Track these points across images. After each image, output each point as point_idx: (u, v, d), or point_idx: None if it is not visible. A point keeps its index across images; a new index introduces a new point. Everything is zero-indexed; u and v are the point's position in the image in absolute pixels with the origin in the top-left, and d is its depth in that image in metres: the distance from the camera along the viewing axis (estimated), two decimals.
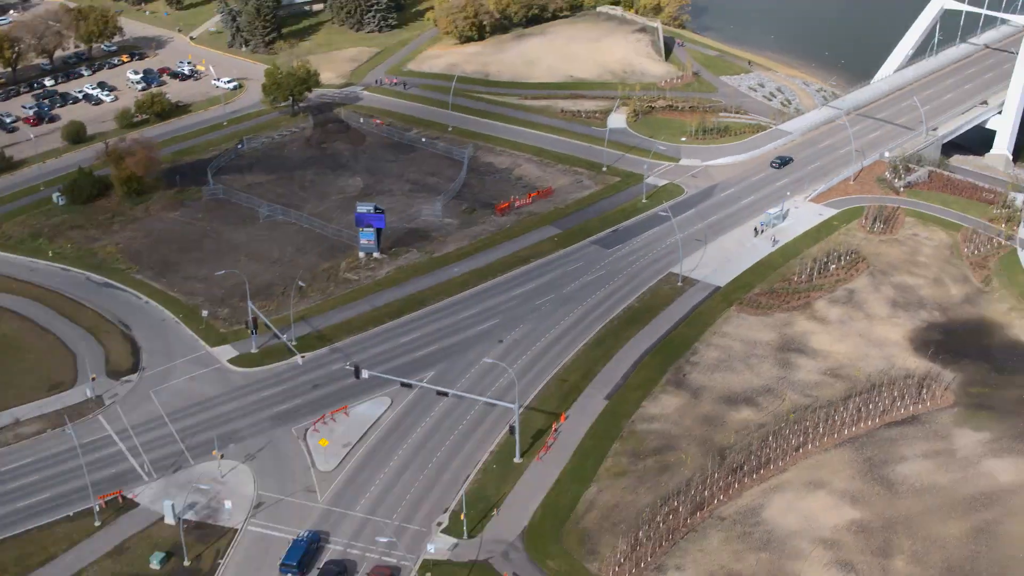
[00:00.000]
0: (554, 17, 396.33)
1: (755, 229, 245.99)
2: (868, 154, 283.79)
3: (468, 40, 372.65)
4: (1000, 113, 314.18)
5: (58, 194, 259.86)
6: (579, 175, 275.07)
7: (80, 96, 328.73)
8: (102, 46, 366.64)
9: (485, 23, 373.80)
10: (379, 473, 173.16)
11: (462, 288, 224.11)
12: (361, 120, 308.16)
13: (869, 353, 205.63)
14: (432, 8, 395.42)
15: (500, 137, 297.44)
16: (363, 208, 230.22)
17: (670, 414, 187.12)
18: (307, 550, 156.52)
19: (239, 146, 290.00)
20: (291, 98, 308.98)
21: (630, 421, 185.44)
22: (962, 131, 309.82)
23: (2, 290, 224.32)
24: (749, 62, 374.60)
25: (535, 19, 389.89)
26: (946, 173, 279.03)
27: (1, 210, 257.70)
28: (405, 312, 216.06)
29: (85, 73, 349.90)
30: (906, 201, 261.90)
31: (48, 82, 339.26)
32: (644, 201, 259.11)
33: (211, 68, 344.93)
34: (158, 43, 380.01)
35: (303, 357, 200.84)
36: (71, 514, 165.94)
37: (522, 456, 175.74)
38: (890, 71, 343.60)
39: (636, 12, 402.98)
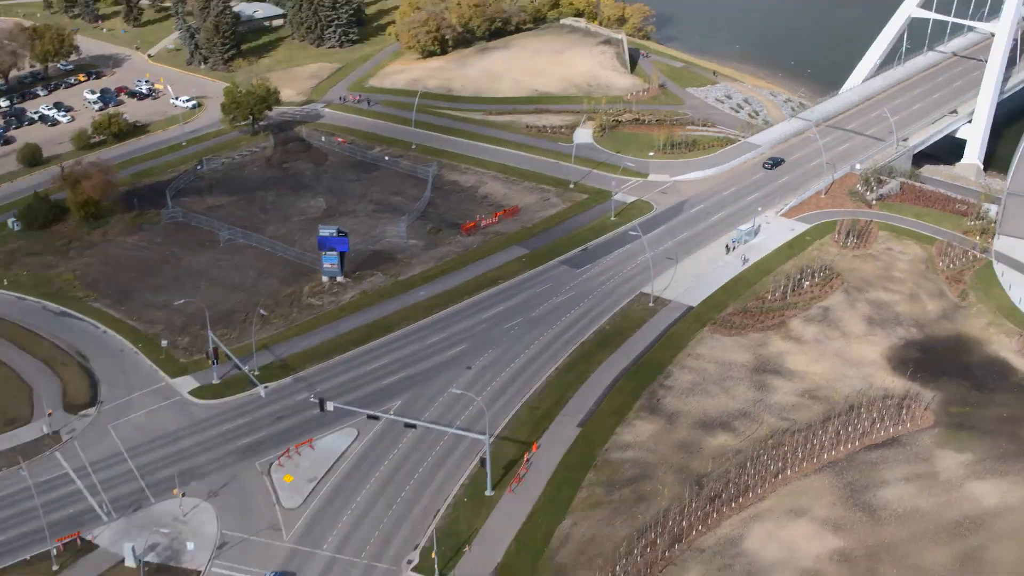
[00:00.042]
0: (517, 30, 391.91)
1: (727, 246, 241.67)
2: (839, 166, 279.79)
3: (431, 55, 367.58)
4: (970, 122, 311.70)
5: (13, 219, 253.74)
6: (546, 192, 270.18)
7: (36, 117, 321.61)
8: (58, 65, 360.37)
9: (447, 37, 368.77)
10: (346, 509, 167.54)
11: (429, 312, 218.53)
12: (323, 139, 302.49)
13: (846, 373, 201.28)
14: (394, 22, 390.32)
15: (465, 154, 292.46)
16: (325, 231, 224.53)
17: (645, 441, 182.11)
18: None
19: (198, 167, 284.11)
20: (251, 117, 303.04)
21: (604, 449, 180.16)
22: (933, 141, 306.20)
23: None
24: (714, 72, 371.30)
25: (498, 32, 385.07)
26: (918, 184, 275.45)
27: None
28: (370, 338, 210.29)
29: (41, 93, 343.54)
30: (879, 214, 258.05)
31: (3, 103, 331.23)
32: (613, 219, 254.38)
33: (169, 87, 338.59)
34: (115, 61, 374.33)
35: (266, 388, 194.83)
36: (27, 558, 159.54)
37: (494, 488, 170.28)
38: (858, 81, 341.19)
39: (600, 24, 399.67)
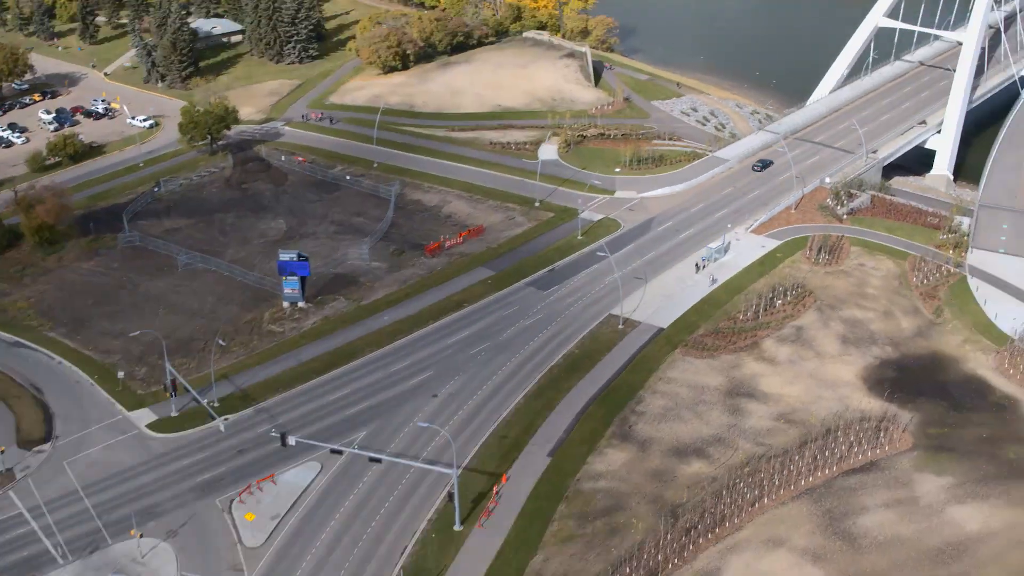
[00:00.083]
0: (479, 44, 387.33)
1: (696, 265, 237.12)
2: (808, 180, 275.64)
3: (392, 70, 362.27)
4: (939, 132, 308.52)
5: None
6: (511, 211, 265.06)
7: None
8: (12, 85, 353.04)
9: (409, 52, 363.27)
10: (310, 547, 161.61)
11: (393, 338, 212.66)
12: (283, 158, 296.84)
13: (822, 395, 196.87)
14: (354, 38, 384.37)
15: (428, 172, 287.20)
16: (286, 256, 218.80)
17: (617, 470, 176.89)
18: None
19: (156, 189, 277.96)
20: (209, 137, 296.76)
21: (575, 480, 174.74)
22: (902, 152, 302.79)
23: None
24: (678, 84, 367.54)
25: (460, 47, 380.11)
26: (888, 197, 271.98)
27: None
28: (333, 366, 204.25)
29: None
30: (850, 229, 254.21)
31: None
32: (580, 238, 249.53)
33: (125, 107, 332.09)
34: (71, 80, 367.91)
35: (227, 420, 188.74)
36: None
37: (462, 523, 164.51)
38: (825, 92, 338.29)
39: (563, 37, 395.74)
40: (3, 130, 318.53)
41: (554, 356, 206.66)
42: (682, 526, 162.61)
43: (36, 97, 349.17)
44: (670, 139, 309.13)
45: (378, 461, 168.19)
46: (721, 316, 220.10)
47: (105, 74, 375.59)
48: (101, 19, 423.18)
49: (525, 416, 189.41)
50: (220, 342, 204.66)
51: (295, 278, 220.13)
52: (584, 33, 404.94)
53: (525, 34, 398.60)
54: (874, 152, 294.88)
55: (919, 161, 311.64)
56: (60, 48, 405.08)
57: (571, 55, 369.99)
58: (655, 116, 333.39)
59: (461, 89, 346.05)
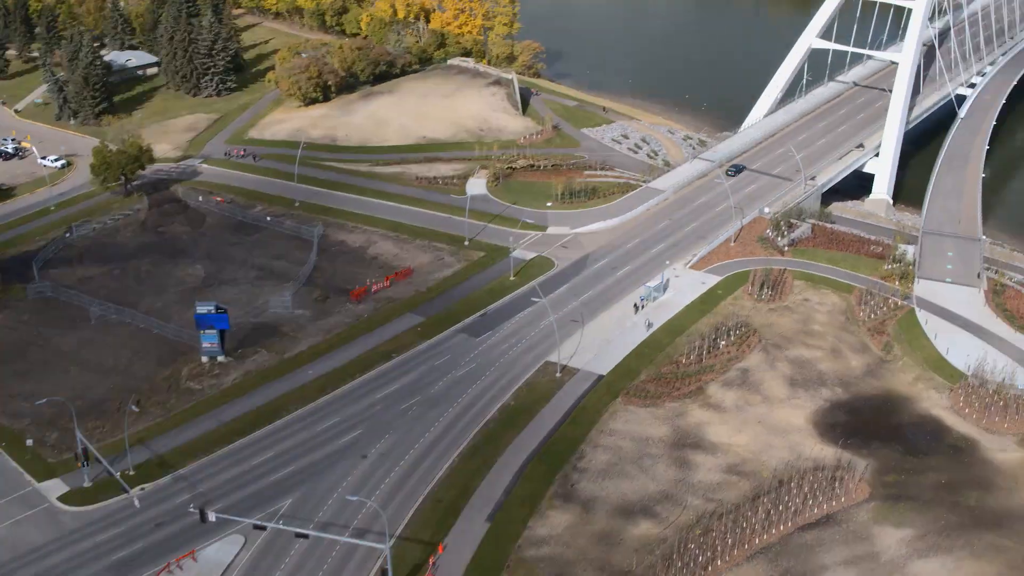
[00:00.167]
0: (403, 73, 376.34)
1: (635, 305, 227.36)
2: (747, 211, 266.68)
3: (313, 102, 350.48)
4: (877, 156, 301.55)
5: None
6: (440, 251, 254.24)
7: None
8: None
9: (330, 83, 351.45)
10: None
11: (319, 394, 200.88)
12: (200, 198, 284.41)
13: (772, 443, 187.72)
14: (273, 68, 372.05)
15: (352, 211, 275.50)
16: (203, 308, 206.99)
17: (561, 534, 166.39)
18: None
19: (67, 234, 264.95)
20: (123, 177, 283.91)
21: (517, 546, 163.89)
22: (841, 178, 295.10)
23: None
24: (604, 109, 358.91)
25: (383, 76, 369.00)
26: (829, 226, 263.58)
27: None
28: (256, 427, 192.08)
29: None
30: (792, 262, 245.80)
31: None
32: (512, 279, 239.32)
33: (34, 147, 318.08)
34: None
35: (143, 489, 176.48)
36: None
37: None
38: (760, 115, 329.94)
39: (489, 63, 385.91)
40: None
41: (489, 409, 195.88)
42: None
43: None
44: (602, 169, 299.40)
45: (305, 537, 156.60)
46: (663, 360, 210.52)
47: (15, 111, 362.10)
48: (11, 52, 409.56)
49: (461, 477, 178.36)
50: (133, 408, 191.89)
51: (213, 332, 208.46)
52: (510, 59, 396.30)
53: (450, 61, 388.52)
54: (812, 179, 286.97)
55: (857, 184, 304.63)
56: None
57: (497, 82, 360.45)
58: (585, 145, 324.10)
59: (385, 120, 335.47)
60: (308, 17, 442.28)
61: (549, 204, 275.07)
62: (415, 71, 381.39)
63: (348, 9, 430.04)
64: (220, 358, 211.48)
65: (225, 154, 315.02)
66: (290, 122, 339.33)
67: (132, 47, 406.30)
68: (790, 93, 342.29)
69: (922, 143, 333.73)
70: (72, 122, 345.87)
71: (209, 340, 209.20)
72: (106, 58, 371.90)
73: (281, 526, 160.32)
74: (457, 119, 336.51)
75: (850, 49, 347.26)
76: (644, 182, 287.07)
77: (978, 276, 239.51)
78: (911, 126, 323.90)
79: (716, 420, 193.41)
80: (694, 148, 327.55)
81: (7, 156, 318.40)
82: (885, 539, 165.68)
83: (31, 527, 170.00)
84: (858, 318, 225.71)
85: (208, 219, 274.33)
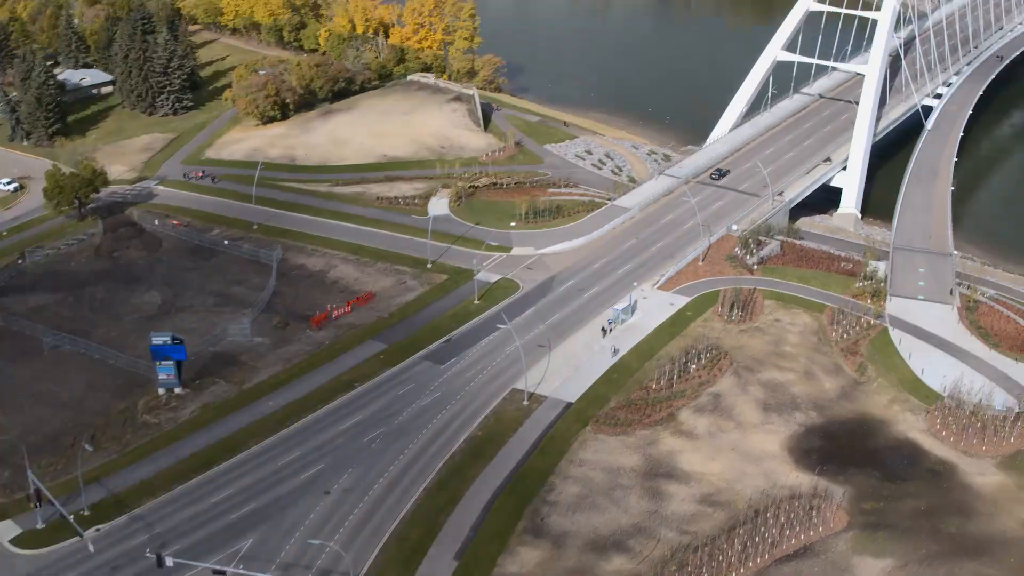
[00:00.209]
0: (362, 89, 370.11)
1: (603, 328, 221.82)
2: (714, 228, 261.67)
3: (271, 120, 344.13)
4: (845, 169, 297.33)
5: None
6: (402, 275, 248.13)
7: None
8: None
9: (288, 101, 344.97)
10: None
11: (280, 426, 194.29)
12: (156, 222, 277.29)
13: (746, 471, 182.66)
14: (230, 86, 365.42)
15: (312, 233, 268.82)
16: (159, 339, 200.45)
17: (532, 571, 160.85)
18: None
19: (20, 260, 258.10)
20: (77, 201, 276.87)
21: None
22: (809, 192, 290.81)
23: None
24: (565, 123, 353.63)
25: (342, 93, 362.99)
26: (799, 243, 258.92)
27: None
28: (215, 462, 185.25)
29: None
30: (762, 281, 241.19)
31: None
32: (477, 302, 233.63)
33: None
34: None
35: (98, 530, 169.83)
36: None
37: None
38: (725, 130, 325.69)
39: (450, 78, 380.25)
40: None
41: (455, 440, 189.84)
42: None
43: None
44: (566, 186, 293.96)
45: None
46: (633, 386, 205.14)
47: None
48: None
49: (427, 513, 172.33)
50: (87, 447, 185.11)
51: (170, 363, 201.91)
52: (471, 74, 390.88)
53: (410, 77, 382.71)
54: (780, 194, 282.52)
55: (825, 198, 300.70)
56: None
57: (458, 98, 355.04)
58: (549, 161, 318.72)
59: (344, 139, 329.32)
60: (266, 33, 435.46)
61: (513, 224, 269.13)
62: (375, 87, 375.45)
63: (306, 25, 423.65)
64: (177, 390, 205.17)
65: (184, 175, 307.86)
66: (248, 141, 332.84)
67: (87, 65, 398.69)
68: (755, 106, 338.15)
69: (889, 154, 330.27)
70: (25, 143, 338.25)
71: (165, 372, 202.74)
72: (60, 77, 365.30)
73: (241, 571, 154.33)
74: (418, 136, 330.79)
75: (815, 61, 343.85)
76: (609, 200, 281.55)
77: (951, 293, 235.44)
78: (878, 138, 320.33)
79: (688, 448, 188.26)
80: (658, 163, 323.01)
81: None
82: (865, 570, 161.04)
83: None
84: (830, 338, 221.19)
85: (164, 243, 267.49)
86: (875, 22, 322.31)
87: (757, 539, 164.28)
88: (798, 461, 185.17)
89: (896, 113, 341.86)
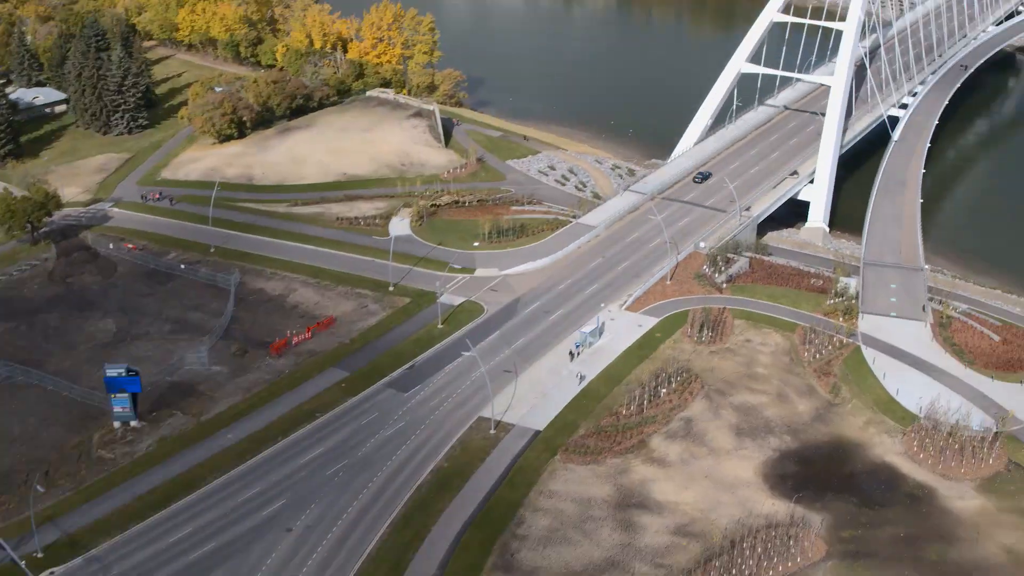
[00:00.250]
0: (321, 106, 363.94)
1: (571, 352, 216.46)
2: (681, 246, 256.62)
3: (228, 139, 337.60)
4: (812, 183, 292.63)
5: None
6: (363, 298, 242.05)
7: None
8: None
9: (245, 118, 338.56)
10: None
11: (239, 460, 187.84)
12: (111, 245, 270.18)
13: (721, 499, 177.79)
14: (186, 103, 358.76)
15: (270, 256, 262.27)
16: (113, 371, 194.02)
17: None
18: None
19: None
20: (30, 225, 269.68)
21: None
22: (776, 207, 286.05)
23: None
24: (525, 138, 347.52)
25: (300, 110, 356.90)
26: (767, 259, 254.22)
27: None
28: (173, 499, 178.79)
29: None
30: (731, 300, 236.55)
31: None
32: (440, 326, 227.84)
33: None
34: None
35: (52, 574, 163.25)
36: None
37: None
38: (690, 143, 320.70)
39: (409, 93, 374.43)
40: None
41: (421, 472, 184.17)
42: None
43: None
44: (529, 203, 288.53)
45: None
46: (602, 412, 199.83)
47: None
48: None
49: (393, 550, 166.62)
50: (38, 488, 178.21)
51: (125, 395, 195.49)
52: (431, 88, 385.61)
53: (369, 93, 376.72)
54: (747, 209, 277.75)
55: (791, 211, 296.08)
56: None
57: (419, 114, 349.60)
58: (511, 177, 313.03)
59: (303, 157, 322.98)
60: (222, 49, 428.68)
61: (476, 244, 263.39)
62: (333, 103, 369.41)
63: (263, 40, 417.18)
64: (133, 423, 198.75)
65: (141, 197, 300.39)
66: (204, 160, 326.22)
67: (40, 83, 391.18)
68: (720, 119, 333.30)
69: (855, 165, 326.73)
70: None
71: (120, 404, 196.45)
72: (12, 96, 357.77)
73: None
74: (378, 154, 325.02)
75: (780, 73, 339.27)
76: (574, 217, 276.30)
77: (923, 309, 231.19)
78: (844, 150, 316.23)
79: (661, 476, 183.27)
80: (622, 178, 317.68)
81: None
82: None
83: None
84: (803, 359, 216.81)
85: (119, 268, 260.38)
86: (840, 33, 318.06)
87: (734, 571, 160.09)
88: (773, 488, 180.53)
89: (862, 124, 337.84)
